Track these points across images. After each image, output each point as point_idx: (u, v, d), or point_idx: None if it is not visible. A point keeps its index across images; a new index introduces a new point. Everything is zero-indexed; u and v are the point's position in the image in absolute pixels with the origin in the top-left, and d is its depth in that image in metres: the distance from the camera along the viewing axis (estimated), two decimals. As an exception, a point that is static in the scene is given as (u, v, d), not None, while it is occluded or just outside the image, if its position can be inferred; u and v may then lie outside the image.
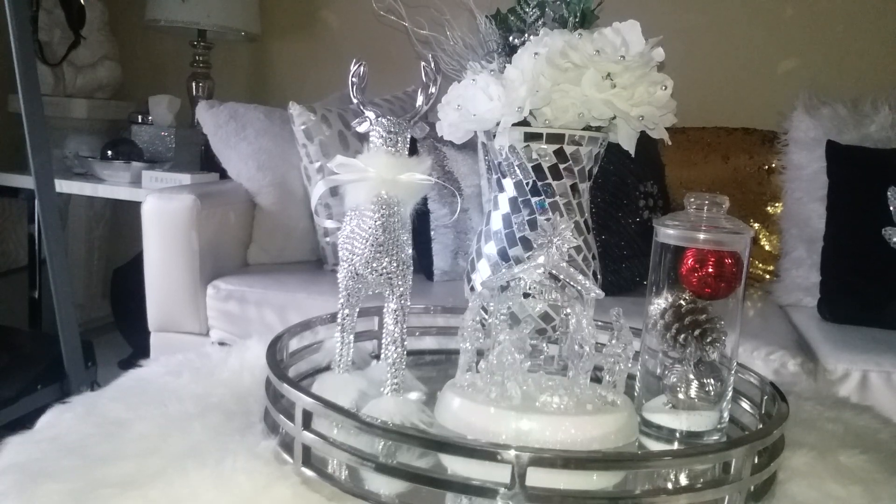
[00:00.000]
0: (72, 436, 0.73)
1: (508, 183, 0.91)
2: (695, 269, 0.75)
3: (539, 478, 0.59)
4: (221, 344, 1.38)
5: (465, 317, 0.80)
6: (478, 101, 0.87)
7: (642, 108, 0.83)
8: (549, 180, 0.89)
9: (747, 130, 1.94)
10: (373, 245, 0.74)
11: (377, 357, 0.92)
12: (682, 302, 0.77)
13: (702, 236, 0.76)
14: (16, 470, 0.66)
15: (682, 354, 0.77)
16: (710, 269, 0.74)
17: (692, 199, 0.77)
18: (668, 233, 0.78)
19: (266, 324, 1.59)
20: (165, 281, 1.67)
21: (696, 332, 0.75)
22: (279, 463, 0.67)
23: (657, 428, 0.78)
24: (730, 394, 0.79)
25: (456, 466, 0.66)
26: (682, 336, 0.75)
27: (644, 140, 0.89)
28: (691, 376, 0.76)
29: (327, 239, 1.82)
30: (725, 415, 0.78)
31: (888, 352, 1.36)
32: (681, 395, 0.77)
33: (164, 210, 1.65)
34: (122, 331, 2.34)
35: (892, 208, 1.54)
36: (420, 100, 0.78)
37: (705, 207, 0.77)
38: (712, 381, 0.77)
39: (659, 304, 0.79)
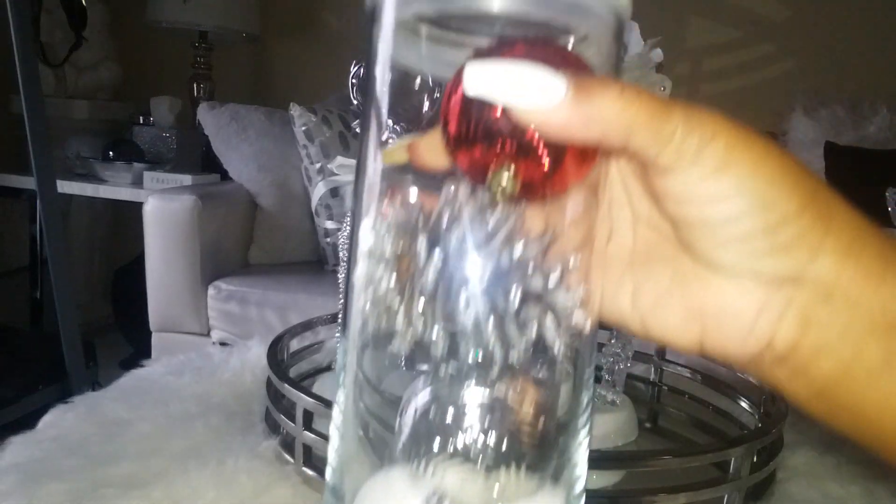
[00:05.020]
0: (74, 436, 0.73)
1: (508, 184, 0.91)
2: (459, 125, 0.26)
3: (538, 477, 0.59)
4: (223, 344, 1.38)
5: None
6: (478, 103, 0.87)
7: (641, 110, 0.83)
8: (549, 181, 0.89)
9: (747, 131, 1.94)
10: (373, 246, 0.74)
11: (377, 357, 0.92)
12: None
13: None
14: (18, 470, 0.66)
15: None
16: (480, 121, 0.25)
17: None
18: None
19: (267, 324, 1.60)
20: (166, 281, 1.68)
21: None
22: (280, 463, 0.67)
23: None
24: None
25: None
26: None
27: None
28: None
29: (328, 240, 1.82)
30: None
31: (887, 352, 1.36)
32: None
33: (165, 210, 1.65)
34: (123, 331, 2.34)
35: (890, 209, 1.54)
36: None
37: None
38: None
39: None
